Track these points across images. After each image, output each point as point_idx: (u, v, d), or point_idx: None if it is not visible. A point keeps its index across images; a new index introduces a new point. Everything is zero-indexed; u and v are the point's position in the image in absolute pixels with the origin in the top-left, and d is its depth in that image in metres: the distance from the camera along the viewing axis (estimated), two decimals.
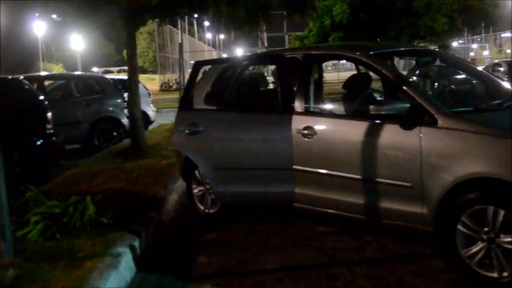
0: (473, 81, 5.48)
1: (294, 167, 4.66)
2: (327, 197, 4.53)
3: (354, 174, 4.28)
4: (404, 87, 4.10)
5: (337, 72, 39.35)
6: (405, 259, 4.25)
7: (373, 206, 4.24)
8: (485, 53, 65.07)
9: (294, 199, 4.78)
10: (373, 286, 3.82)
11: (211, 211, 5.54)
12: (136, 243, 4.49)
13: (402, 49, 5.47)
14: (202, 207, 5.62)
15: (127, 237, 4.54)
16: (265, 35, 38.64)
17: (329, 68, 46.36)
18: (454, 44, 39.24)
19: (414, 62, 6.10)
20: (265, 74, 9.50)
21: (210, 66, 5.98)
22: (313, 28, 22.62)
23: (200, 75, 5.89)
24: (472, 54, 60.74)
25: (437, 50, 8.19)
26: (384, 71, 4.34)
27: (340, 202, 4.47)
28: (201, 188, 5.58)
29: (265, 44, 25.19)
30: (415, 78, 12.98)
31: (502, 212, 3.51)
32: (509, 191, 3.46)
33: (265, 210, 5.55)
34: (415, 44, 24.38)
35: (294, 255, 4.49)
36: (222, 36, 63.91)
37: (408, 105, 3.98)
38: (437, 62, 5.20)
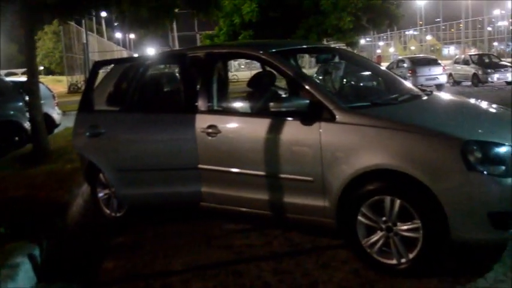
0: (379, 78, 5.67)
1: (199, 166, 4.63)
2: (233, 195, 4.55)
3: (258, 171, 4.32)
4: (304, 84, 4.18)
5: (250, 71, 39.65)
6: (311, 252, 4.35)
7: (277, 201, 4.30)
8: (391, 50, 68.06)
9: (200, 198, 4.76)
10: (280, 280, 3.88)
11: (118, 214, 5.41)
12: (37, 252, 4.29)
13: (304, 47, 5.59)
14: (108, 211, 5.47)
15: (27, 246, 4.32)
16: (175, 34, 38.27)
17: (242, 67, 46.65)
18: (362, 41, 40.66)
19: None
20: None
21: (112, 66, 5.82)
22: (223, 27, 22.65)
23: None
24: (378, 51, 63.31)
25: (337, 47, 8.44)
26: (283, 69, 4.40)
27: (246, 199, 4.49)
28: (106, 191, 5.43)
29: (170, 44, 24.96)
30: (325, 75, 13.52)
31: (398, 202, 3.66)
32: (404, 181, 3.62)
33: (174, 211, 5.49)
34: (325, 41, 25.09)
35: (202, 255, 4.47)
36: (132, 36, 62.61)
37: (308, 101, 4.06)
38: (337, 59, 5.35)
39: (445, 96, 5.48)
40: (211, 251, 4.53)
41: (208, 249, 4.60)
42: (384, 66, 26.51)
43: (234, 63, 40.80)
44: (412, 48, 69.48)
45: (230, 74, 31.29)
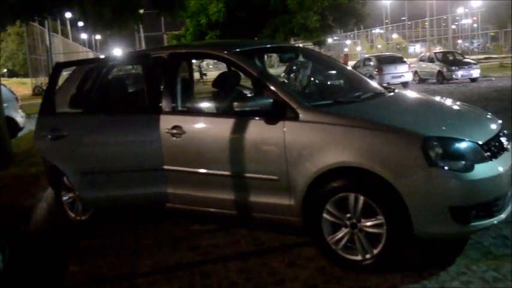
0: (342, 76, 5.71)
1: (165, 167, 4.60)
2: (199, 195, 4.53)
3: (223, 171, 4.31)
4: (267, 84, 4.19)
5: (218, 71, 39.52)
6: (277, 250, 4.37)
7: (243, 201, 4.30)
8: (358, 48, 68.81)
9: (166, 199, 4.73)
10: (246, 279, 3.89)
11: (83, 218, 5.34)
12: None
13: (268, 46, 5.60)
14: (73, 215, 5.40)
15: None
16: (142, 34, 37.95)
17: (211, 67, 46.50)
18: (329, 40, 40.98)
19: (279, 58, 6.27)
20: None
21: (74, 68, 5.73)
22: (190, 27, 22.55)
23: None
24: (346, 49, 63.93)
25: (300, 46, 8.46)
26: (247, 68, 4.40)
27: (212, 199, 4.48)
28: (70, 194, 5.36)
29: (137, 45, 24.76)
30: (292, 73, 13.54)
31: (361, 198, 3.70)
32: (367, 178, 3.66)
33: (140, 213, 5.44)
34: (292, 41, 25.21)
35: (169, 256, 4.45)
36: (98, 37, 61.80)
37: (272, 100, 4.07)
38: (301, 58, 5.38)
39: (407, 93, 5.57)
40: (178, 252, 4.52)
41: (175, 250, 4.58)
42: (351, 64, 26.84)
43: (202, 64, 40.64)
44: (379, 46, 70.37)
45: (197, 75, 31.09)
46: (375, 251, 3.72)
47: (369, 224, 3.72)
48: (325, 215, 3.86)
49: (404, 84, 23.06)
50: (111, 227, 5.32)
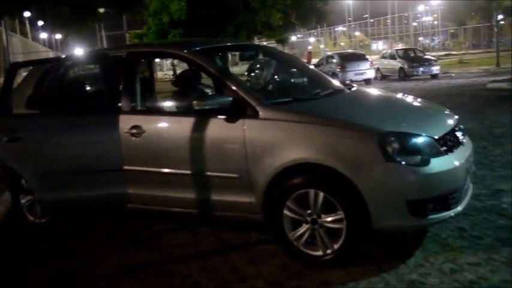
0: (304, 74, 5.74)
1: (125, 167, 4.55)
2: (160, 195, 4.50)
3: (184, 170, 4.30)
4: (227, 82, 4.19)
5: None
6: (240, 248, 4.38)
7: (205, 199, 4.29)
8: (322, 46, 69.34)
9: (127, 200, 4.68)
10: (209, 278, 3.88)
11: (43, 220, 5.25)
12: None
13: (228, 44, 5.61)
14: (32, 218, 5.31)
15: None
16: (103, 33, 37.43)
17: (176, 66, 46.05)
18: (293, 38, 41.16)
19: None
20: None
21: (31, 68, 5.62)
22: (152, 26, 22.33)
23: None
24: (310, 47, 64.35)
25: (260, 44, 8.48)
26: (207, 67, 4.40)
27: (173, 199, 4.45)
28: (29, 197, 5.25)
29: (98, 45, 24.40)
30: (257, 71, 13.50)
31: (321, 194, 3.74)
32: (327, 174, 3.70)
33: (103, 214, 5.38)
34: (256, 39, 25.24)
35: (132, 257, 4.41)
36: (58, 36, 60.60)
37: (231, 98, 4.07)
38: (260, 56, 5.39)
39: (366, 90, 5.64)
40: (141, 252, 4.48)
41: (137, 250, 4.54)
42: (314, 62, 26.99)
43: (166, 63, 40.35)
44: (342, 44, 71.10)
45: (162, 74, 30.79)
46: (336, 246, 3.76)
47: (329, 219, 3.76)
48: (286, 212, 3.88)
49: (367, 81, 23.37)
50: (72, 229, 5.24)
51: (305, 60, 30.19)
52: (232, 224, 4.66)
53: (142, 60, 5.07)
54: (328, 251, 3.80)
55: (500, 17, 32.61)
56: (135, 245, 4.65)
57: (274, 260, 4.05)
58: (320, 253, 3.83)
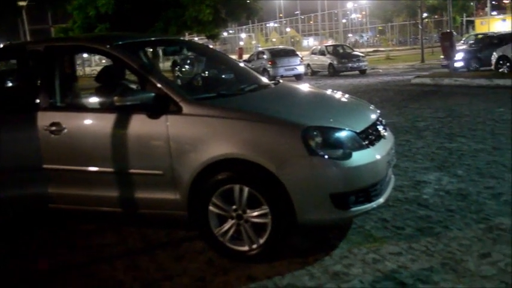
0: (230, 69, 5.72)
1: (44, 166, 4.38)
2: (83, 194, 4.35)
3: (107, 167, 4.18)
4: (149, 77, 4.10)
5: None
6: (166, 246, 4.32)
7: (129, 197, 4.19)
8: (254, 41, 69.75)
9: (49, 200, 4.50)
10: (134, 277, 3.81)
11: None
12: None
13: (152, 39, 5.50)
14: None
15: None
16: (26, 27, 35.97)
17: (103, 61, 45.03)
18: (225, 34, 41.10)
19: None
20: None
21: None
22: (77, 20, 21.59)
23: None
24: (241, 43, 64.54)
25: (185, 40, 8.36)
26: (129, 62, 4.29)
27: (96, 198, 4.32)
28: None
29: (21, 39, 23.39)
30: (187, 67, 13.40)
31: (246, 189, 3.73)
32: (251, 169, 3.70)
33: (24, 216, 5.16)
34: (187, 35, 24.99)
35: (56, 258, 4.27)
36: None
37: (154, 94, 3.99)
38: (185, 51, 5.34)
39: (291, 85, 5.68)
40: (65, 253, 4.35)
41: (61, 251, 4.40)
42: (245, 57, 27.05)
43: (94, 58, 39.29)
44: (274, 40, 71.79)
45: (90, 69, 29.85)
46: (261, 241, 3.77)
47: (254, 214, 3.76)
48: (211, 208, 3.86)
49: (297, 77, 23.68)
50: None
51: (236, 56, 30.29)
52: (158, 222, 4.59)
53: (63, 54, 4.89)
54: (254, 246, 3.80)
55: (425, 15, 33.94)
56: (59, 246, 4.51)
57: (200, 257, 4.02)
58: (246, 248, 3.83)
